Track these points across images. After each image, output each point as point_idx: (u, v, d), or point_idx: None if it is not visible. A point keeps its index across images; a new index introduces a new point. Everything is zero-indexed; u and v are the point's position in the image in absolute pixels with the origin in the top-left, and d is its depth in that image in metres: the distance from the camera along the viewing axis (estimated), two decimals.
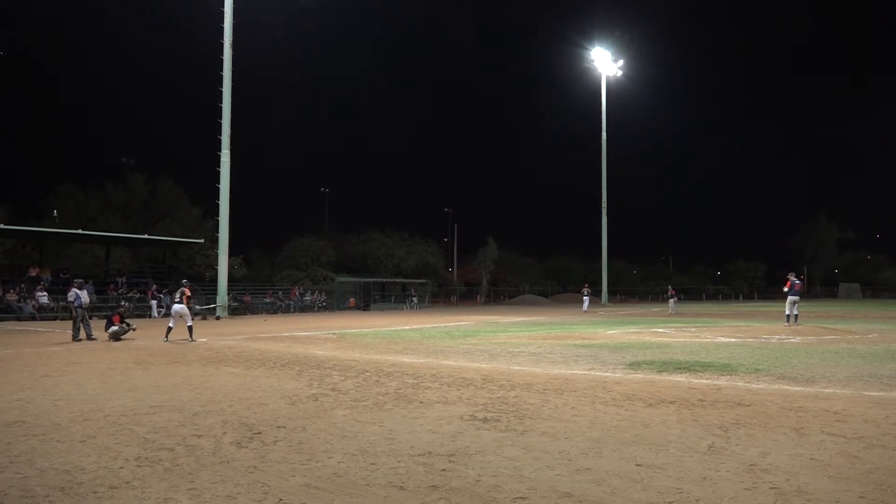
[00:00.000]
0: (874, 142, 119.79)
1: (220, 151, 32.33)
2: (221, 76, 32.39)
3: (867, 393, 7.86)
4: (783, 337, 16.68)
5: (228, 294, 33.25)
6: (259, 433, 5.85)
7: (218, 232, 32.62)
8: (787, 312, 21.20)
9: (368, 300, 48.51)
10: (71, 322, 17.38)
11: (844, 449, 5.13)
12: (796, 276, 21.62)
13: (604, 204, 55.54)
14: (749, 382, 8.75)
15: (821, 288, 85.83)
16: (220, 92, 32.33)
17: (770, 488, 4.16)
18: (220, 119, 32.27)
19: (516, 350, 13.77)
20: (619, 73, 55.61)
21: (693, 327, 21.69)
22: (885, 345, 14.33)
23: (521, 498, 4.02)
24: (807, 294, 77.69)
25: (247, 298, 39.39)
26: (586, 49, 55.16)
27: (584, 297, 38.68)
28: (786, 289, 21.39)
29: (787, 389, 8.13)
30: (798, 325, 20.78)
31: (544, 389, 8.28)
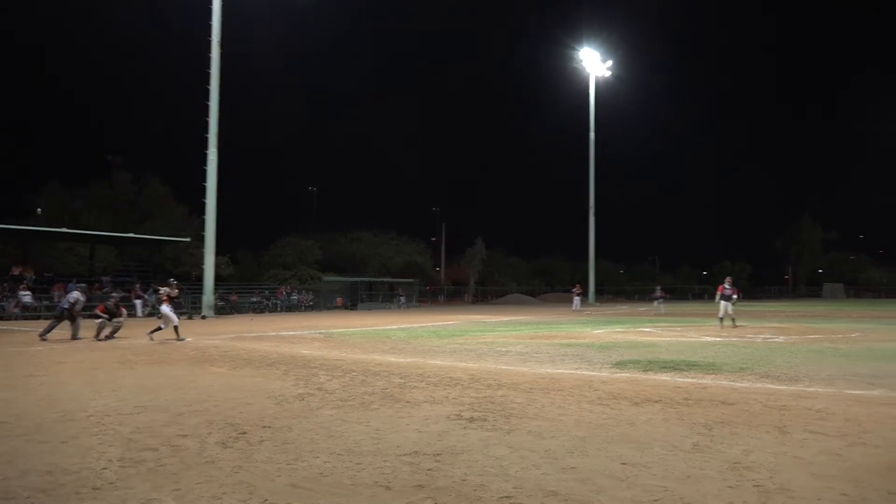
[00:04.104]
0: (859, 143, 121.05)
1: (207, 150, 32.17)
2: (209, 73, 32.21)
3: (849, 391, 7.94)
4: (767, 336, 16.82)
5: (215, 293, 33.08)
6: (245, 433, 5.82)
7: (204, 231, 32.46)
8: (721, 315, 21.08)
9: (356, 299, 48.42)
10: (51, 321, 17.19)
11: (827, 447, 5.18)
12: (729, 283, 21.57)
13: (591, 204, 55.73)
14: (733, 381, 8.82)
15: (805, 288, 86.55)
16: (208, 90, 32.16)
17: (753, 486, 4.19)
18: (208, 117, 32.10)
19: (503, 349, 13.80)
20: (608, 73, 55.79)
21: (679, 326, 21.82)
22: (868, 344, 14.48)
23: (507, 497, 4.03)
24: (791, 294, 78.30)
25: (233, 298, 39.20)
26: (575, 50, 55.34)
27: (575, 297, 38.91)
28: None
29: (771, 388, 8.20)
30: (730, 326, 20.67)
31: (531, 388, 8.30)
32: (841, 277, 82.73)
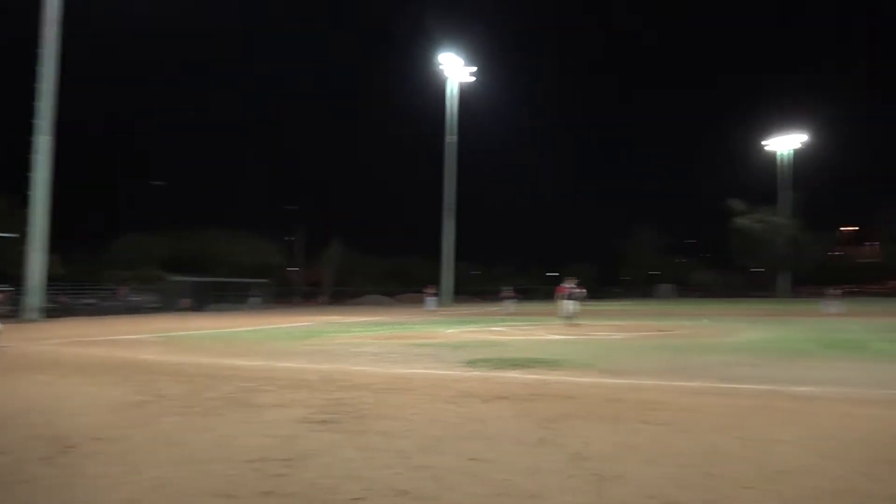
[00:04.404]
0: (688, 153, 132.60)
1: (37, 136, 29.37)
2: (42, 52, 29.44)
3: (677, 383, 8.66)
4: (608, 334, 17.99)
5: (43, 294, 30.23)
6: (73, 446, 5.34)
7: (30, 226, 29.59)
8: (566, 314, 22.31)
9: (204, 301, 46.13)
10: None
11: (656, 435, 5.61)
12: (574, 283, 23.05)
13: (446, 206, 56.66)
14: (576, 377, 9.32)
15: (641, 288, 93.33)
16: (40, 71, 29.37)
17: (591, 475, 4.45)
18: (38, 101, 29.31)
19: (358, 350, 13.72)
20: (471, 78, 56.84)
21: (528, 326, 22.75)
22: (694, 339, 15.90)
23: (358, 498, 4.00)
24: (629, 294, 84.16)
25: (63, 299, 36.00)
26: (436, 52, 55.79)
27: (428, 298, 39.42)
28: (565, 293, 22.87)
29: (609, 382, 8.77)
30: (574, 324, 21.84)
31: (384, 389, 8.31)
32: (673, 278, 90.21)
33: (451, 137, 56.49)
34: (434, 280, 48.97)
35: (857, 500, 3.93)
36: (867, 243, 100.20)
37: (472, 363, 11.04)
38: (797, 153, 76.12)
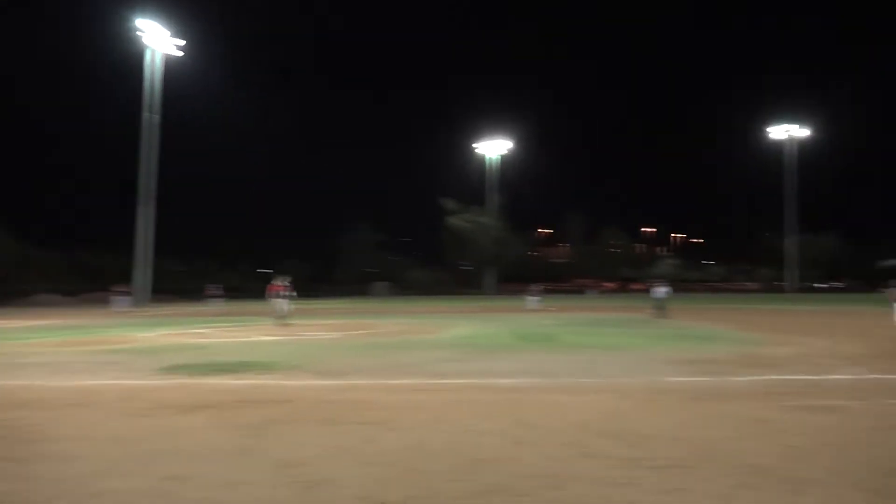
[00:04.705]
0: (405, 151, 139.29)
1: None
2: None
3: (389, 381, 8.85)
4: (320, 333, 17.90)
5: None
6: None
7: None
8: (279, 313, 21.86)
9: None
10: None
11: (367, 434, 5.57)
12: (285, 282, 22.77)
13: (144, 192, 51.52)
14: (286, 380, 9.00)
15: (357, 286, 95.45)
16: None
17: (298, 482, 4.23)
18: None
19: (25, 361, 11.68)
20: (179, 52, 51.71)
21: (236, 326, 21.67)
22: (404, 336, 16.54)
23: None
24: (344, 292, 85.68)
25: None
26: (135, 21, 49.73)
27: (119, 297, 35.57)
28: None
29: (322, 384, 8.62)
30: (285, 324, 21.37)
31: (61, 406, 7.13)
32: (389, 277, 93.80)
33: (150, 115, 50.85)
34: (128, 277, 44.41)
35: (547, 482, 4.27)
36: (559, 244, 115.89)
37: (170, 370, 10.05)
38: (503, 158, 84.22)
